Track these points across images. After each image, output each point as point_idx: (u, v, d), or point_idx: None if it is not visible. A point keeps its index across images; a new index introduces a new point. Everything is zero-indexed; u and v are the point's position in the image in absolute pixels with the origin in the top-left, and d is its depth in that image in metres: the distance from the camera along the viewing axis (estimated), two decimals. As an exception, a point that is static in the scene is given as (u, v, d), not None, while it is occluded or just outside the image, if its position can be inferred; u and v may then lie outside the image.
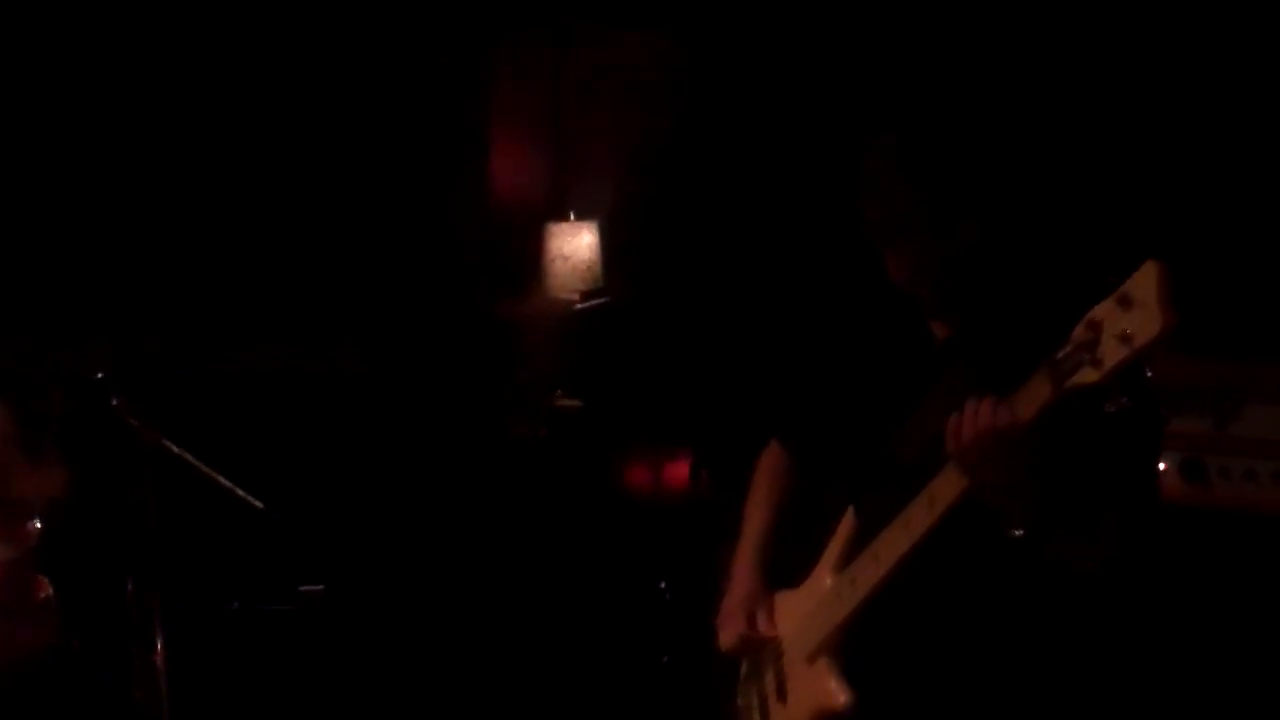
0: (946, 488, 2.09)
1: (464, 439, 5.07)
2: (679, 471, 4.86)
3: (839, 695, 2.30)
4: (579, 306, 5.12)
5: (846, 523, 2.40)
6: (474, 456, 5.06)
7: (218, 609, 4.12)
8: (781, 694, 2.47)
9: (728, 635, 2.63)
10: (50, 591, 3.54)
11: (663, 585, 4.75)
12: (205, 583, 4.04)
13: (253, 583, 4.19)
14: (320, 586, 4.12)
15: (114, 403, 3.64)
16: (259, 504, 3.61)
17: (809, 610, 2.42)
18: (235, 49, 4.92)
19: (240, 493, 3.61)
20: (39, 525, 3.58)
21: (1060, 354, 1.90)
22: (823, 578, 2.42)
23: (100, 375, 3.66)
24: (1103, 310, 1.84)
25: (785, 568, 2.61)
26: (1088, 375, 1.86)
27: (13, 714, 3.67)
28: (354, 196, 5.12)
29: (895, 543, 2.18)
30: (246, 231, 4.99)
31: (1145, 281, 1.78)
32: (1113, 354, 1.82)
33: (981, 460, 2.02)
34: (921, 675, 2.30)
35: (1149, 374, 1.94)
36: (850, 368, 2.52)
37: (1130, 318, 1.79)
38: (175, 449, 3.66)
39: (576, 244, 5.41)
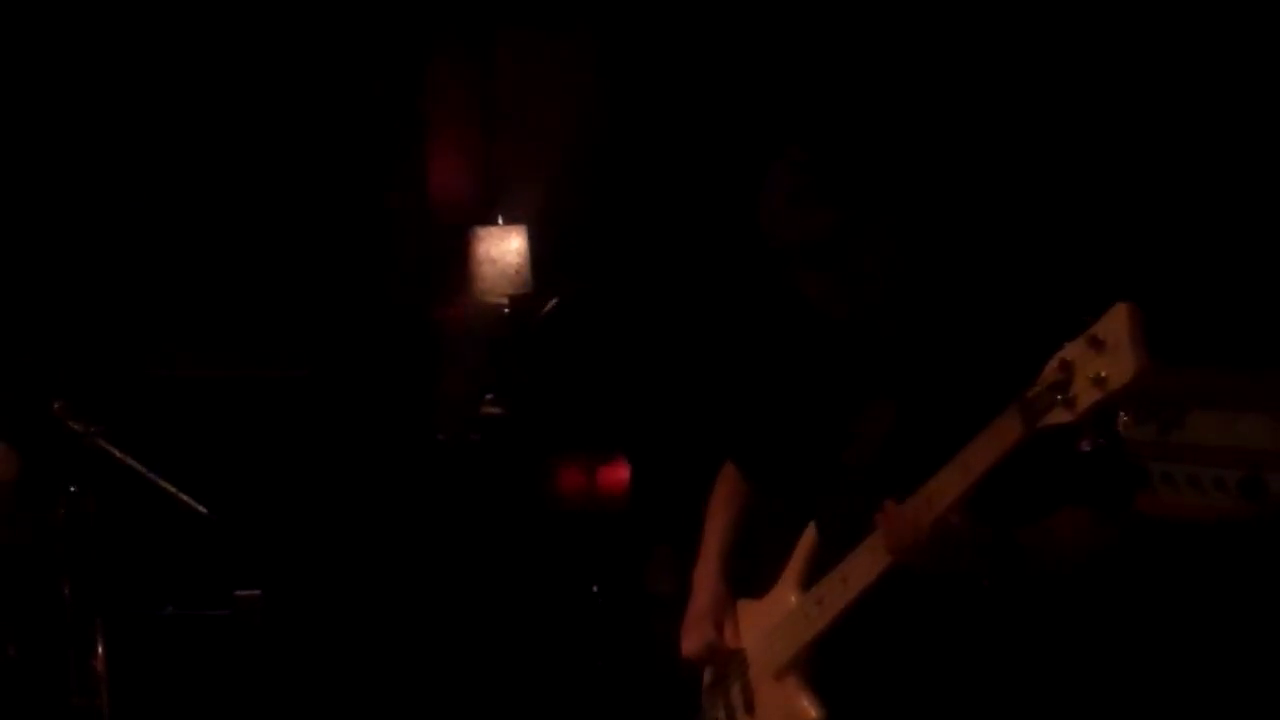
0: None
1: (394, 443, 5.05)
2: (613, 475, 4.88)
3: (811, 710, 2.30)
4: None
5: (808, 538, 2.39)
6: (404, 461, 5.03)
7: (152, 614, 4.07)
8: (749, 708, 2.46)
9: (693, 643, 2.60)
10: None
11: (595, 589, 4.77)
12: (142, 587, 3.99)
13: (190, 587, 4.14)
14: (257, 591, 4.09)
15: (55, 406, 3.59)
16: (201, 508, 3.58)
17: (774, 625, 2.41)
18: (168, 53, 4.88)
19: (182, 496, 3.58)
20: (-24, 530, 3.53)
21: (1031, 393, 1.91)
22: (787, 594, 2.40)
23: (41, 379, 3.62)
24: (1074, 351, 1.85)
25: (744, 577, 2.61)
26: (1060, 415, 1.87)
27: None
28: (286, 201, 5.09)
29: (863, 568, 2.18)
30: (182, 237, 4.94)
31: (1116, 324, 1.80)
32: (1086, 396, 1.83)
33: (916, 558, 2.06)
34: (894, 692, 2.29)
35: (1122, 415, 1.98)
36: (791, 378, 2.50)
37: (1103, 360, 1.81)
38: (116, 452, 3.62)
39: (505, 248, 5.39)
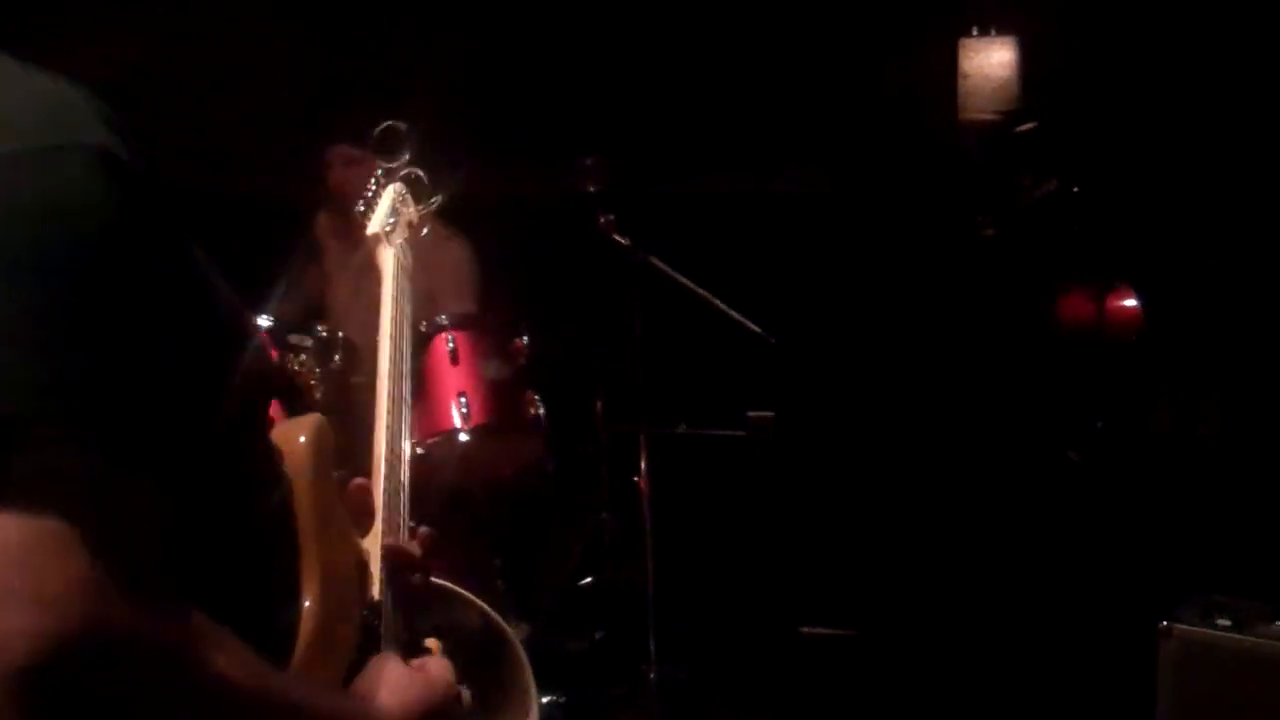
0: None
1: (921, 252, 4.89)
2: (1122, 306, 4.55)
3: None
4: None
5: None
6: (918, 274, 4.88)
7: (668, 432, 4.02)
8: None
9: None
10: (540, 409, 3.52)
11: (1099, 425, 4.53)
12: (665, 406, 3.94)
13: (707, 407, 4.09)
14: (769, 413, 4.02)
15: (602, 220, 3.55)
16: (756, 328, 3.50)
17: None
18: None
19: (735, 315, 3.49)
20: (526, 342, 3.55)
21: None
22: None
23: (591, 191, 3.57)
24: None
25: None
26: None
27: (501, 523, 3.70)
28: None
29: None
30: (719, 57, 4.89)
31: None
32: None
33: None
34: None
35: None
36: None
37: None
38: (662, 266, 3.56)
39: (992, 60, 5.13)
